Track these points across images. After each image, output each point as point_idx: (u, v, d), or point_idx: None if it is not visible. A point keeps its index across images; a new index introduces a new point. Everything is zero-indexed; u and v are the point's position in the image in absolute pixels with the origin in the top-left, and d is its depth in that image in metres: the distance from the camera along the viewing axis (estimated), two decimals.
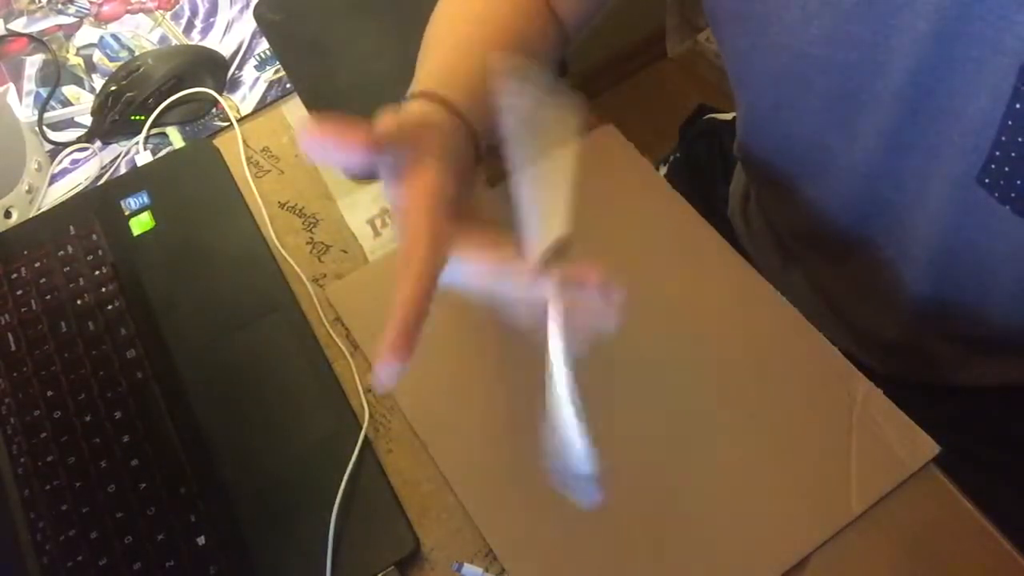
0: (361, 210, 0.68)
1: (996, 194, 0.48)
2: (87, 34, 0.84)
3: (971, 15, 0.43)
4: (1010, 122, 0.44)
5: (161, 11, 0.84)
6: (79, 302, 0.64)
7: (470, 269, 0.44)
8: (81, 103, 0.79)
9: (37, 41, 0.84)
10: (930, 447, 0.52)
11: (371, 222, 0.67)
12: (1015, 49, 0.42)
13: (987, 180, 0.48)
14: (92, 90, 0.80)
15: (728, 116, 0.92)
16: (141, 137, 0.75)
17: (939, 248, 0.56)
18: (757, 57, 0.56)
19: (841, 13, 0.48)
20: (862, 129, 0.53)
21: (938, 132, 0.49)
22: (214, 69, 0.78)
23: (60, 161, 0.76)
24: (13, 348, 0.63)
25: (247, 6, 0.83)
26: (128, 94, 0.75)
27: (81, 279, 0.66)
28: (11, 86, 0.81)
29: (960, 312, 0.60)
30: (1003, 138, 0.45)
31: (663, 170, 0.97)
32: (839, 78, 0.52)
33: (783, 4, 0.50)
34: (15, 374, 0.62)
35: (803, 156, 0.61)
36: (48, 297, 0.65)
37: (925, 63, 0.46)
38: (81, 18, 0.85)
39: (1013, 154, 0.46)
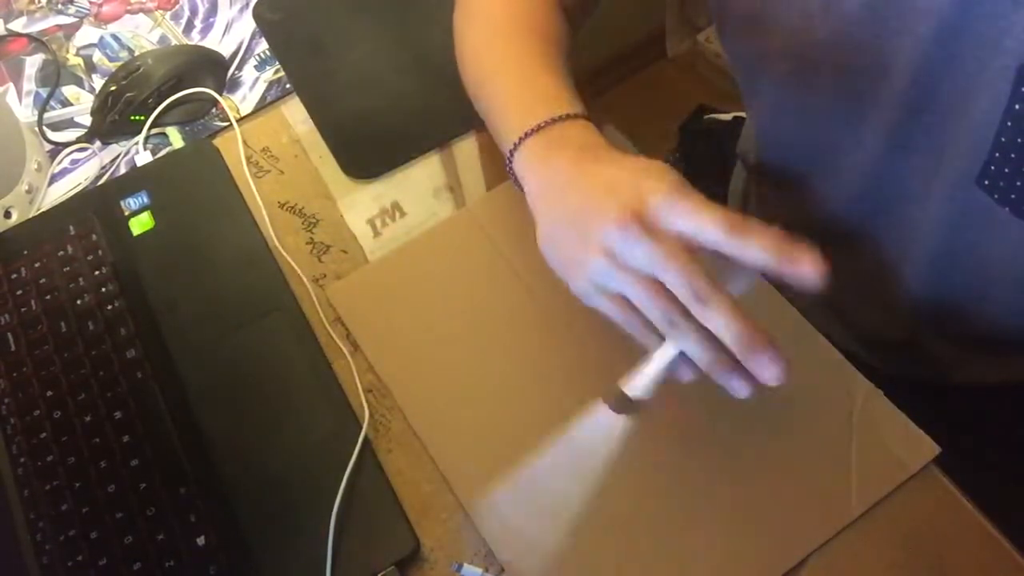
0: (361, 210, 0.68)
1: (996, 196, 0.48)
2: (87, 34, 0.84)
3: (970, 16, 0.43)
4: (1009, 123, 0.44)
5: (161, 11, 0.84)
6: (79, 302, 0.64)
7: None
8: (81, 103, 0.79)
9: (37, 41, 0.84)
10: (930, 448, 0.52)
11: (371, 222, 0.67)
12: (1014, 50, 0.42)
13: (987, 182, 0.48)
14: (92, 90, 0.80)
15: (727, 116, 0.92)
16: (141, 137, 0.75)
17: (940, 249, 0.56)
18: (762, 61, 0.56)
19: (843, 17, 0.48)
20: (866, 130, 0.53)
21: (940, 133, 0.50)
22: (214, 69, 0.78)
23: (60, 161, 0.76)
24: (13, 348, 0.63)
25: (247, 6, 0.83)
26: (128, 94, 0.75)
27: (81, 279, 0.66)
28: (11, 86, 0.81)
29: (960, 312, 0.60)
30: (1002, 139, 0.45)
31: None
32: (843, 81, 0.52)
33: (786, 9, 0.51)
34: (15, 374, 0.62)
35: (808, 157, 0.61)
36: (48, 297, 0.65)
37: (927, 65, 0.47)
38: (81, 18, 0.85)
39: (1012, 155, 0.46)
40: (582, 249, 0.45)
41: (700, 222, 0.42)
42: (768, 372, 0.41)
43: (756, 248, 0.41)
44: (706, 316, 0.42)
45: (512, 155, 0.53)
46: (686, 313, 0.42)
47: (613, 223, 0.43)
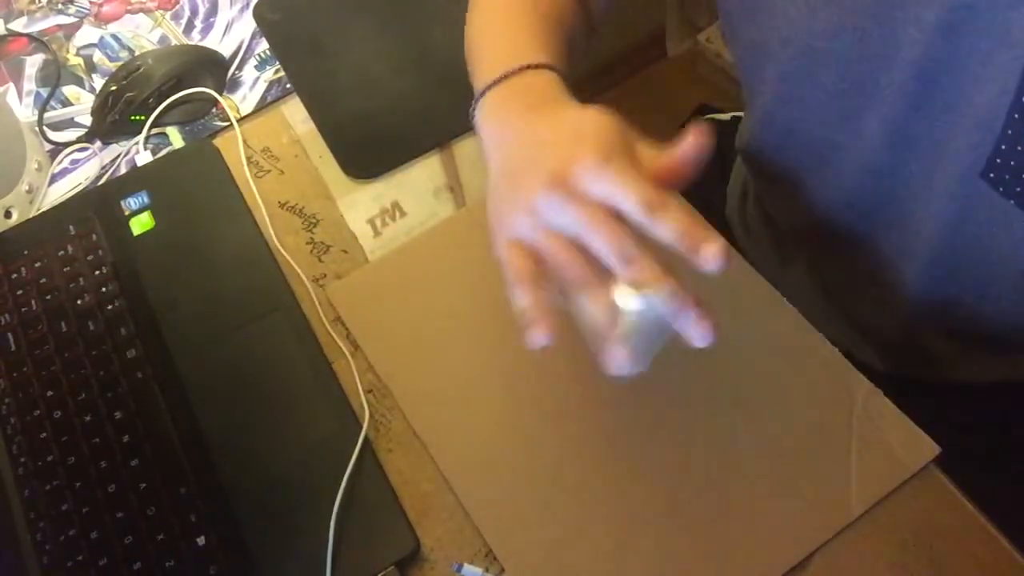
0: (361, 210, 0.68)
1: (1001, 189, 0.48)
2: (87, 34, 0.84)
3: (978, 6, 0.43)
4: (1016, 115, 0.44)
5: (161, 11, 0.84)
6: (79, 302, 0.64)
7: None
8: (81, 103, 0.79)
9: (37, 41, 0.84)
10: (930, 448, 0.52)
11: (371, 222, 0.67)
12: (1022, 41, 0.42)
13: (992, 175, 0.48)
14: (92, 90, 0.80)
15: (727, 116, 0.92)
16: (141, 137, 0.75)
17: (941, 244, 0.56)
18: (763, 51, 0.56)
19: (846, 5, 0.48)
20: (867, 124, 0.53)
21: (944, 126, 0.49)
22: (214, 69, 0.78)
23: (60, 161, 0.76)
24: (13, 348, 0.63)
25: (247, 6, 0.83)
26: (128, 94, 0.75)
27: (81, 279, 0.66)
28: (11, 86, 0.81)
29: (961, 309, 0.60)
30: (1009, 131, 0.45)
31: None
32: (844, 72, 0.51)
33: None
34: (15, 374, 0.62)
35: (807, 151, 0.61)
36: (48, 297, 0.65)
37: (932, 56, 0.46)
38: (81, 18, 0.85)
39: (1019, 148, 0.45)
40: (511, 205, 0.46)
41: (621, 192, 0.42)
42: (697, 330, 0.41)
43: (666, 228, 0.41)
44: (633, 276, 0.42)
45: (474, 108, 0.53)
46: (596, 274, 0.43)
47: (540, 188, 0.44)
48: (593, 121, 0.46)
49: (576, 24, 0.62)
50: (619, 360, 0.43)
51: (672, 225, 0.41)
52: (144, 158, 0.74)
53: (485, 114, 0.52)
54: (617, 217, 0.42)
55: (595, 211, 0.42)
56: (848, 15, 0.48)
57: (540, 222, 0.44)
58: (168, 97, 0.75)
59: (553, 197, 0.43)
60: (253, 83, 0.77)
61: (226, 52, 0.80)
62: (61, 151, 0.76)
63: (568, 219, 0.43)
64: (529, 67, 0.52)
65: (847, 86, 0.52)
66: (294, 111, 0.75)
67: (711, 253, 0.40)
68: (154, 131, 0.76)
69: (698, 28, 1.70)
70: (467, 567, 0.51)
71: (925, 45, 0.46)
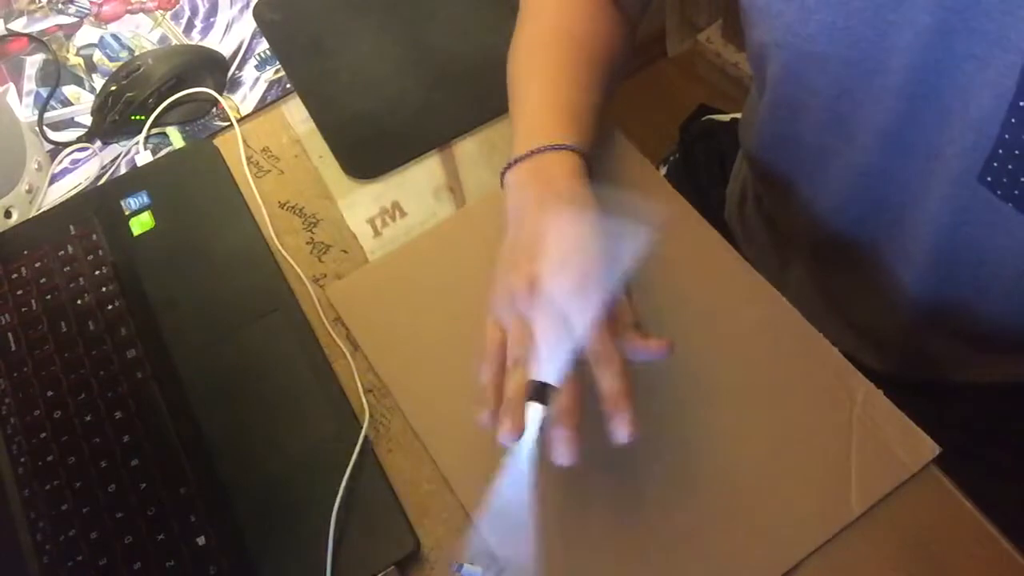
0: (361, 210, 0.68)
1: (998, 192, 0.48)
2: (87, 34, 0.84)
3: (975, 10, 0.43)
4: (1013, 119, 0.44)
5: (161, 11, 0.84)
6: (79, 302, 0.64)
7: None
8: (81, 103, 0.79)
9: (37, 41, 0.84)
10: (930, 448, 0.52)
11: (371, 222, 0.67)
12: (1019, 45, 0.42)
13: (989, 178, 0.48)
14: (92, 90, 0.80)
15: (726, 117, 0.92)
16: (141, 137, 0.75)
17: (939, 246, 0.56)
18: (763, 54, 0.56)
19: (841, 8, 0.48)
20: (860, 129, 0.53)
21: (939, 131, 0.49)
22: (214, 69, 0.78)
23: (60, 161, 0.76)
24: (13, 348, 0.63)
25: (247, 6, 0.83)
26: (128, 94, 0.75)
27: (81, 279, 0.66)
28: (11, 86, 0.81)
29: (960, 309, 0.60)
30: (1006, 136, 0.45)
31: (662, 170, 0.97)
32: (838, 76, 0.51)
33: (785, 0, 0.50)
34: (15, 374, 0.62)
35: (801, 155, 0.61)
36: (48, 297, 0.65)
37: (927, 60, 0.46)
38: (81, 18, 0.85)
39: (1016, 151, 0.45)
40: (504, 283, 0.51)
41: (581, 333, 0.47)
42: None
43: (602, 381, 0.47)
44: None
45: (504, 175, 0.56)
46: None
47: (523, 285, 0.49)
48: (570, 240, 0.49)
49: (618, 44, 0.63)
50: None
51: (605, 385, 0.46)
52: (144, 158, 0.74)
53: (509, 185, 0.56)
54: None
55: (548, 325, 0.47)
56: (842, 18, 0.48)
57: (514, 310, 0.49)
58: (168, 97, 0.75)
59: (528, 297, 0.48)
60: (253, 83, 0.77)
61: (226, 52, 0.80)
62: (61, 151, 0.76)
63: (531, 319, 0.48)
64: (552, 148, 0.54)
65: (839, 90, 0.52)
66: (294, 111, 0.75)
67: (619, 427, 0.46)
68: (154, 131, 0.76)
69: (698, 28, 1.70)
70: (467, 567, 0.51)
71: (920, 49, 0.46)
